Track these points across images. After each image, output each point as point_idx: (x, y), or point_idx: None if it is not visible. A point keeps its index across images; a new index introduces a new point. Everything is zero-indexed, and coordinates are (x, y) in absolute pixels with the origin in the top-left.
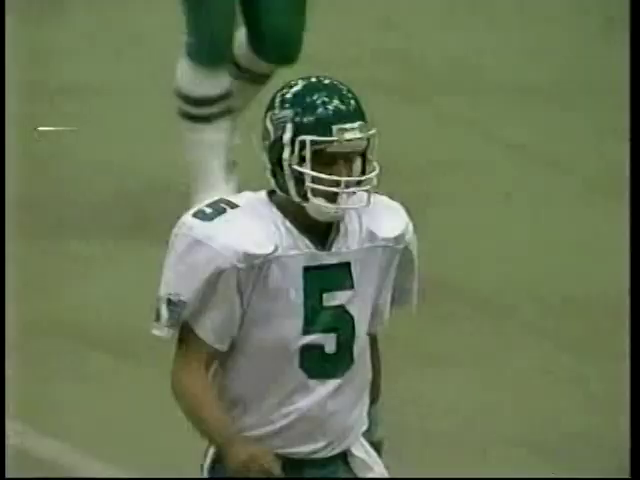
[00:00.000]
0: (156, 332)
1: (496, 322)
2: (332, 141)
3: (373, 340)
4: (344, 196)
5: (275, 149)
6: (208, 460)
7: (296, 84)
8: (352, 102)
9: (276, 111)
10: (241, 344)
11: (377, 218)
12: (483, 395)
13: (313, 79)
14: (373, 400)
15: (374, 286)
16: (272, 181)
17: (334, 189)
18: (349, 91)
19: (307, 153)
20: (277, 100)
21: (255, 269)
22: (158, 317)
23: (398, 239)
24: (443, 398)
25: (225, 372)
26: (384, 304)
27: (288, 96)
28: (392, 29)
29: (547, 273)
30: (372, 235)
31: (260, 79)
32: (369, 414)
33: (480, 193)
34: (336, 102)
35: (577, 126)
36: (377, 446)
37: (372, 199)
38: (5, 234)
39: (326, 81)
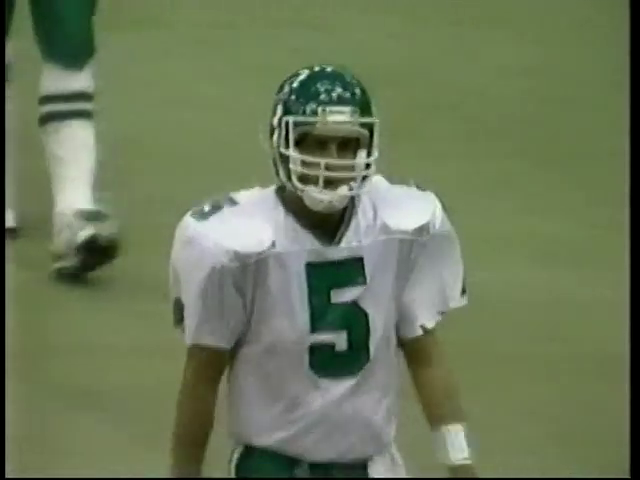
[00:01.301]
0: (178, 335)
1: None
2: (315, 122)
3: (429, 346)
4: (343, 187)
5: (270, 133)
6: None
7: (302, 71)
8: (350, 89)
9: (275, 96)
10: (250, 344)
11: (395, 208)
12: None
13: (318, 67)
14: (444, 420)
15: (392, 281)
16: (273, 170)
17: (314, 172)
18: (353, 79)
19: (290, 134)
20: (280, 86)
21: (251, 267)
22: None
23: (420, 230)
24: None
25: (237, 373)
26: (419, 302)
27: (287, 81)
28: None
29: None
30: (387, 227)
31: None
32: (441, 437)
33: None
34: (329, 86)
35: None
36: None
37: (366, 186)
38: (5, 238)
39: (330, 69)
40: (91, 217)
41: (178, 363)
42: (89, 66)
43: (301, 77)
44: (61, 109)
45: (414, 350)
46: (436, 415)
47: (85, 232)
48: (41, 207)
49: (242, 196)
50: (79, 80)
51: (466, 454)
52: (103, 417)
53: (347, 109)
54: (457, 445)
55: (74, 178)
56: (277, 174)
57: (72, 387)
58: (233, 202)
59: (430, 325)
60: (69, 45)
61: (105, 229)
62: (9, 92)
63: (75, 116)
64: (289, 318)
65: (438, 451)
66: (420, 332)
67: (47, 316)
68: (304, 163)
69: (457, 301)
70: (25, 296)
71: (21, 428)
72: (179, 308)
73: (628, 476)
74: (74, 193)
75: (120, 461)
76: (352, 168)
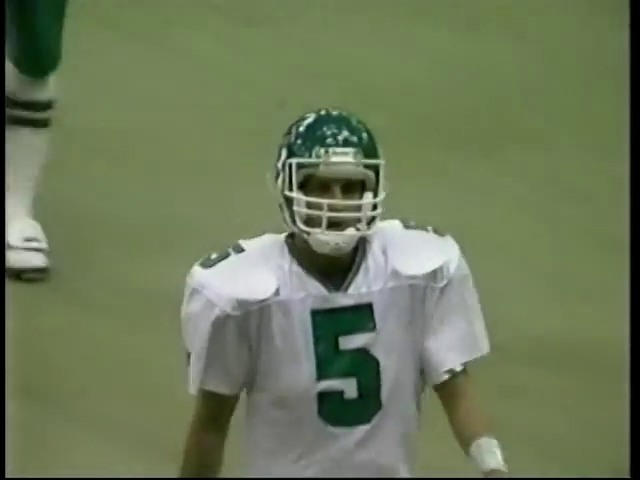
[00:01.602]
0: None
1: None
2: (317, 163)
3: (459, 386)
4: (350, 229)
5: (275, 178)
6: None
7: (308, 115)
8: (356, 132)
9: (281, 141)
10: (259, 392)
11: (407, 253)
12: None
13: (324, 111)
14: (475, 437)
15: (406, 326)
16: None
17: (317, 212)
18: (359, 123)
19: (293, 176)
20: (287, 130)
21: (254, 315)
22: None
23: (433, 275)
24: None
25: (250, 421)
26: (444, 348)
27: (293, 125)
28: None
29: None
30: (397, 273)
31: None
32: (475, 449)
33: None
34: (334, 129)
35: None
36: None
37: (373, 228)
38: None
39: (335, 112)
40: (23, 245)
41: (178, 365)
42: (53, 74)
43: (307, 121)
44: (18, 115)
45: (444, 392)
46: (468, 436)
47: (13, 261)
48: (41, 206)
49: (250, 243)
50: (40, 90)
51: (498, 460)
52: (103, 417)
53: (350, 151)
54: (489, 451)
55: (18, 186)
56: (284, 220)
57: (72, 387)
58: (240, 249)
59: (458, 368)
60: (36, 59)
61: (34, 261)
62: None
63: (30, 124)
64: (295, 365)
65: (475, 464)
66: (446, 377)
67: (47, 316)
68: (308, 205)
69: (482, 349)
70: (25, 296)
71: (21, 429)
72: (188, 357)
73: (628, 476)
74: (14, 203)
75: (120, 461)
76: (357, 209)
